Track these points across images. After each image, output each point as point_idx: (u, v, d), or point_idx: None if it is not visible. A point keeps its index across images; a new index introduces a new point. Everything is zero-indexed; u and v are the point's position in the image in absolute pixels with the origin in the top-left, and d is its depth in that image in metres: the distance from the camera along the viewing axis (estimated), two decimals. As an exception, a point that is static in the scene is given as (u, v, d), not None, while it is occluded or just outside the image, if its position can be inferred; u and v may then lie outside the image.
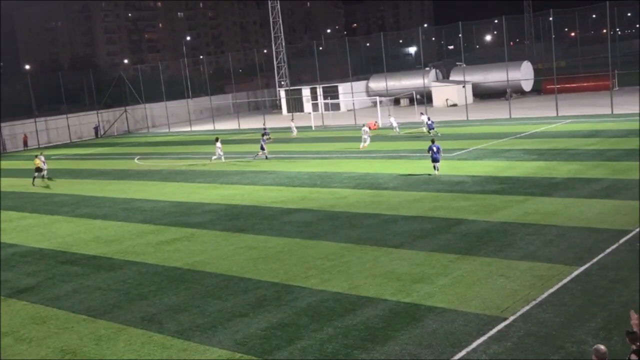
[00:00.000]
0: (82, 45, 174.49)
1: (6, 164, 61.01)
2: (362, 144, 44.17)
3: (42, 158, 43.87)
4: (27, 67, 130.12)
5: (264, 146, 44.02)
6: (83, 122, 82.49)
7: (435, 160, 32.02)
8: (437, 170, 32.20)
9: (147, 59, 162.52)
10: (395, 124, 51.07)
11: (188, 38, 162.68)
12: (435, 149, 31.98)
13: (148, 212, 30.33)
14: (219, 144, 44.26)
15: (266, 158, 43.66)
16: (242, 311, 16.44)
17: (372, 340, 13.98)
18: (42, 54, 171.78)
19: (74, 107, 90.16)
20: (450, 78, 76.61)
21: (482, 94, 73.94)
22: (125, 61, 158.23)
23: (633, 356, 9.98)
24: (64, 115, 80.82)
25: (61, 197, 37.28)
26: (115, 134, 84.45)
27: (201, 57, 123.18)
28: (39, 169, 43.30)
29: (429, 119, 47.62)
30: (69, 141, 79.51)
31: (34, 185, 42.44)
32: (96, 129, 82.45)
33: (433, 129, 46.22)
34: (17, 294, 19.81)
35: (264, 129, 57.80)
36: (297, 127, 60.15)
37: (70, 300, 18.68)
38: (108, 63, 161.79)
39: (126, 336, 15.62)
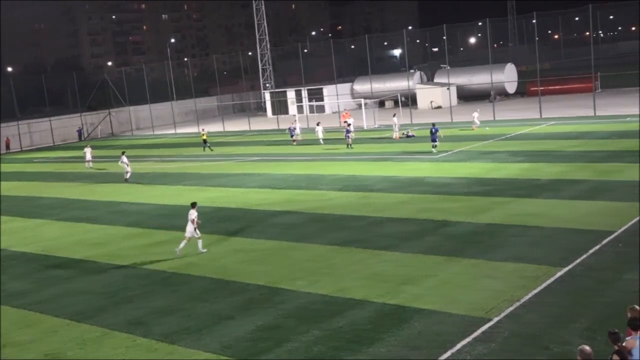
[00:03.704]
0: (66, 48, 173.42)
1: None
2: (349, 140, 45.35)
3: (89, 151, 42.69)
4: (10, 69, 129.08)
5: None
6: (67, 125, 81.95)
7: (432, 140, 38.47)
8: (434, 148, 38.54)
9: (132, 62, 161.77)
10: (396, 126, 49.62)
11: (173, 40, 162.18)
12: (433, 130, 38.47)
13: (134, 215, 30.21)
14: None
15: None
16: (229, 314, 16.42)
17: (359, 342, 14.01)
18: (25, 56, 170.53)
19: (58, 109, 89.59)
20: (435, 80, 76.86)
21: (467, 96, 74.27)
22: (110, 63, 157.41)
23: (615, 356, 10.08)
24: (47, 118, 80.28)
25: (47, 200, 37.05)
26: (99, 136, 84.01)
27: (186, 59, 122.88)
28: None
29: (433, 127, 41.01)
30: (52, 144, 78.98)
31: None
32: (80, 131, 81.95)
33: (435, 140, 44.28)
34: (3, 298, 19.65)
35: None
36: (284, 129, 59.99)
37: (56, 304, 18.57)
38: (92, 65, 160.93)
39: (111, 340, 15.55)
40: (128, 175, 40.90)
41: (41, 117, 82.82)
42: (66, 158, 60.50)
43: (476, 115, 48.98)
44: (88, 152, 49.79)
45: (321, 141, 48.52)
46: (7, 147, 75.16)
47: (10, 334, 16.58)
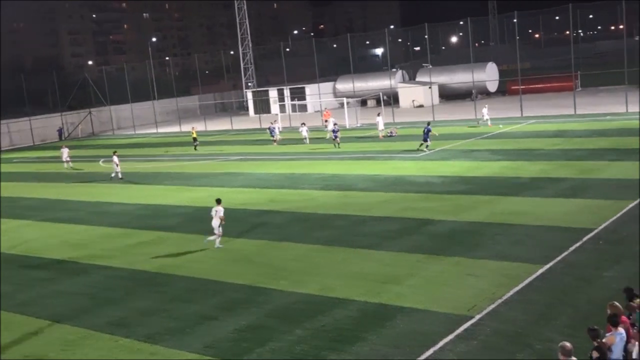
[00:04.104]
0: (46, 47, 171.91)
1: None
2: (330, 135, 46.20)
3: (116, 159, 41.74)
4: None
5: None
6: (47, 125, 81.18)
7: (424, 139, 38.87)
8: (424, 147, 38.96)
9: (113, 61, 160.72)
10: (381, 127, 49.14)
11: (154, 39, 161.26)
12: (426, 130, 39.02)
13: (115, 215, 30.03)
14: (115, 158, 40.45)
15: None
16: (212, 314, 16.38)
17: (341, 340, 14.04)
18: (4, 56, 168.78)
19: (38, 109, 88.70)
20: (417, 79, 77.08)
21: (448, 95, 74.58)
22: (90, 63, 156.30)
23: (594, 352, 10.19)
24: (27, 118, 79.54)
25: (27, 201, 36.70)
26: (80, 136, 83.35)
27: (167, 58, 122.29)
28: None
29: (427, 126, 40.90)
30: (32, 144, 78.27)
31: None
32: (60, 131, 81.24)
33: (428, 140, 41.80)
34: (-18, 300, 19.47)
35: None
36: (264, 129, 59.77)
37: (37, 306, 18.43)
38: (72, 65, 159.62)
39: (93, 341, 15.46)
40: (113, 174, 40.67)
41: (21, 117, 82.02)
42: (47, 158, 59.97)
43: (485, 111, 48.52)
44: (65, 152, 49.50)
45: (306, 141, 48.50)
46: None
47: (-10, 336, 16.42)
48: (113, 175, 40.61)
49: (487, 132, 44.92)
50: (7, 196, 39.20)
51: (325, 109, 61.86)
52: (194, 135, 52.40)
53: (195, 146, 51.96)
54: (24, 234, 28.20)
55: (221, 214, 22.09)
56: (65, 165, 49.06)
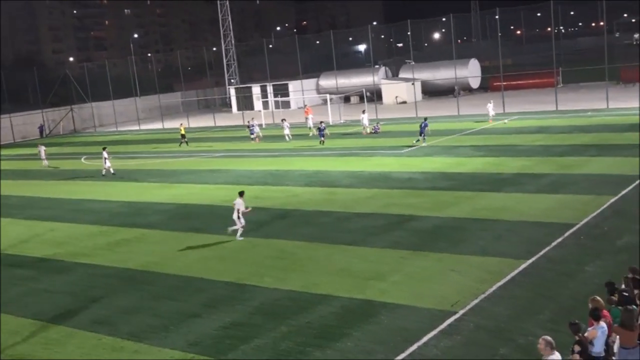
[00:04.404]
0: (26, 43, 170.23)
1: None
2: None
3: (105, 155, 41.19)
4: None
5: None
6: (27, 122, 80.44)
7: (420, 133, 39.65)
8: (417, 142, 39.82)
9: (94, 57, 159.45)
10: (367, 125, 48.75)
11: (136, 36, 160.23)
12: (423, 125, 39.79)
13: (97, 213, 29.83)
14: (105, 154, 40.09)
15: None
16: (196, 311, 16.34)
17: (326, 337, 14.06)
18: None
19: (18, 106, 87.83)
20: (400, 75, 77.21)
21: (431, 91, 74.81)
22: (71, 59, 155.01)
23: (576, 347, 10.28)
24: (7, 115, 78.75)
25: (8, 198, 36.35)
26: (62, 133, 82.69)
27: (149, 55, 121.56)
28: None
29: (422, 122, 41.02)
30: (12, 141, 77.54)
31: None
32: (41, 128, 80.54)
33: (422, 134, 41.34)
34: (-38, 299, 19.28)
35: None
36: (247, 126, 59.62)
37: (18, 305, 18.27)
38: (53, 61, 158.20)
39: (77, 340, 15.37)
40: (104, 171, 40.36)
41: (0, 114, 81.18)
42: (28, 155, 59.43)
43: (490, 106, 48.27)
44: (42, 151, 49.09)
45: (287, 138, 48.36)
46: None
47: (-29, 336, 16.26)
48: (104, 172, 40.28)
49: (470, 129, 45.11)
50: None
51: (306, 105, 61.79)
52: (182, 132, 52.17)
53: (182, 143, 51.67)
54: (5, 231, 27.91)
55: (239, 206, 22.23)
56: (44, 163, 48.65)
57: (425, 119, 41.22)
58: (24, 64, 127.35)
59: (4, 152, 66.16)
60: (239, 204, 22.29)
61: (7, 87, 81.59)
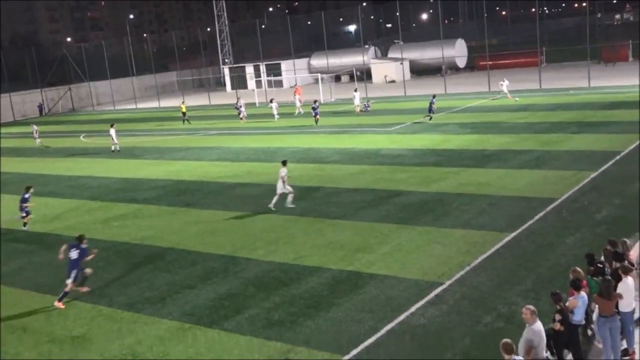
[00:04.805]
0: (23, 24, 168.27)
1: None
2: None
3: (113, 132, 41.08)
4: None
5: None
6: (27, 101, 79.86)
7: (429, 110, 39.36)
8: (425, 118, 39.45)
9: (90, 38, 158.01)
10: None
11: (131, 16, 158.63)
12: (431, 101, 39.51)
13: (95, 189, 29.73)
14: (112, 131, 40.29)
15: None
16: (191, 283, 16.37)
17: (316, 307, 14.13)
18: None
19: (17, 85, 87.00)
20: (389, 55, 76.90)
21: (419, 70, 74.57)
22: (69, 39, 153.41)
23: (557, 315, 10.37)
24: (7, 94, 78.08)
25: (6, 175, 36.14)
26: (60, 112, 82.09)
27: (145, 35, 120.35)
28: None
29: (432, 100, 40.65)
30: (12, 119, 76.92)
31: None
32: (40, 107, 79.95)
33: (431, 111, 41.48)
34: (-36, 273, 19.23)
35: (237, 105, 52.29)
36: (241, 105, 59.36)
37: (18, 277, 18.26)
38: (50, 41, 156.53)
39: (76, 310, 15.39)
40: (113, 148, 40.36)
41: (0, 93, 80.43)
42: (27, 134, 58.96)
43: (505, 84, 46.96)
44: (35, 130, 48.78)
45: (276, 117, 48.06)
46: None
47: (-27, 307, 16.24)
48: (114, 148, 40.20)
49: (457, 107, 45.05)
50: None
51: (295, 85, 61.45)
52: (184, 110, 51.90)
53: (185, 120, 51.40)
54: (3, 208, 27.80)
55: (283, 174, 22.35)
56: (37, 141, 48.21)
57: (434, 96, 40.79)
58: (22, 44, 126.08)
59: (5, 129, 65.65)
60: (283, 173, 22.37)
61: (6, 67, 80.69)
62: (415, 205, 21.33)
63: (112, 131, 40.24)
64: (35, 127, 49.50)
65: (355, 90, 49.23)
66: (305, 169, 29.24)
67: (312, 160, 31.15)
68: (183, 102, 54.49)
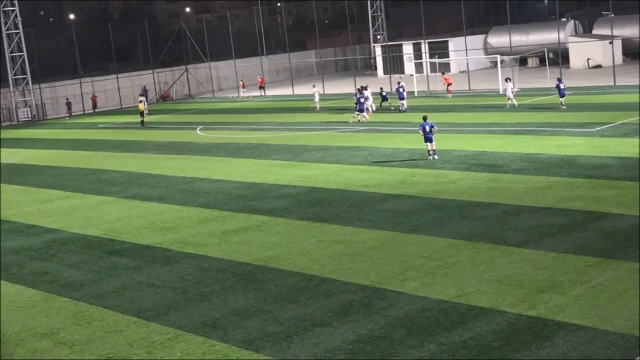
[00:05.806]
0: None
1: (47, 133, 63.44)
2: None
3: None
4: (72, 16, 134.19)
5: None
6: (136, 84, 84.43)
7: (428, 139, 33.36)
8: (431, 152, 33.62)
9: (213, 8, 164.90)
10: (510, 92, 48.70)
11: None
12: (428, 127, 33.21)
13: (212, 194, 30.96)
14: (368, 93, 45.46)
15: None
16: (324, 319, 16.59)
17: (485, 361, 13.90)
18: (89, 3, 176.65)
19: (125, 66, 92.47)
20: (594, 32, 74.63)
21: (636, 52, 71.65)
22: (187, 10, 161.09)
23: None
24: (114, 76, 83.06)
25: (109, 174, 38.46)
26: (174, 98, 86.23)
27: (278, 4, 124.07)
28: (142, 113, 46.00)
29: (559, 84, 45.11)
30: (119, 106, 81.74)
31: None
32: (145, 91, 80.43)
33: (564, 96, 44.91)
34: (58, 289, 20.60)
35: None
36: (393, 93, 59.66)
37: (119, 299, 19.31)
38: (166, 13, 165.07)
39: (183, 344, 16.03)
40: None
41: (107, 75, 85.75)
42: (134, 124, 62.57)
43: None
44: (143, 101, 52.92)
45: (317, 108, 49.17)
46: (69, 108, 77.96)
47: (63, 332, 17.37)
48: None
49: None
50: (85, 168, 41.26)
51: (443, 73, 61.42)
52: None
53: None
54: (105, 212, 29.59)
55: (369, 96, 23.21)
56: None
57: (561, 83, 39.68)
58: (133, 17, 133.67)
59: (109, 119, 69.98)
60: (369, 95, 23.01)
61: (114, 44, 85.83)
62: (623, 233, 20.48)
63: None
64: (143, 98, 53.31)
65: (507, 80, 49.08)
66: (476, 178, 28.90)
67: (485, 167, 30.75)
68: (314, 85, 56.47)
